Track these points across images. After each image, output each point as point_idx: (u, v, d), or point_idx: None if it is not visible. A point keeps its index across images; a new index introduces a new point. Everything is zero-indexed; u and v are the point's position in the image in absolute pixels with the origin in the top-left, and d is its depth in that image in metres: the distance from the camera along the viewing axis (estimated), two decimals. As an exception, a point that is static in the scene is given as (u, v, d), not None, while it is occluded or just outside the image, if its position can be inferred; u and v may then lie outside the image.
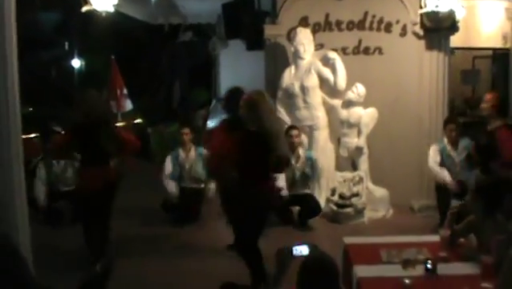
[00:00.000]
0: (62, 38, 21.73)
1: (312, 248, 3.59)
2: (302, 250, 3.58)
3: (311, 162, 8.72)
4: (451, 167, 8.21)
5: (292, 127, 8.76)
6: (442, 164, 8.27)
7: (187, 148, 9.05)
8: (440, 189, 8.23)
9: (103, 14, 7.70)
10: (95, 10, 7.62)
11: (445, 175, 8.15)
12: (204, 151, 8.78)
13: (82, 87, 19.66)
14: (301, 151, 8.72)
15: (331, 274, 3.32)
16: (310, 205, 8.54)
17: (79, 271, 4.45)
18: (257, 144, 5.75)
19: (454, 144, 8.26)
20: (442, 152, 8.30)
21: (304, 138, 9.00)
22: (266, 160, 5.77)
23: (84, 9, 7.45)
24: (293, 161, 8.50)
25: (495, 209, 4.88)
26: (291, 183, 8.64)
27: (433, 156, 8.35)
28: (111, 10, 7.70)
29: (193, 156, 9.02)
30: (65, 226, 8.66)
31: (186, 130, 9.15)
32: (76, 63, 21.40)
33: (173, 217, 8.79)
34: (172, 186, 8.85)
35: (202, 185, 9.04)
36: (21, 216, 5.93)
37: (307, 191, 8.73)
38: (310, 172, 8.74)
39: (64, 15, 20.18)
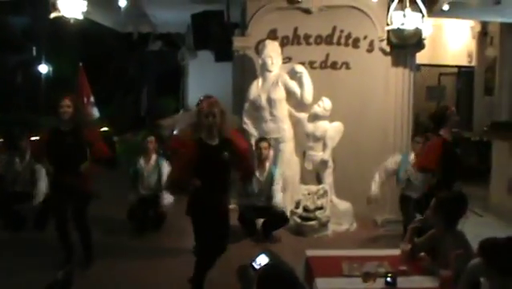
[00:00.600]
0: (30, 42, 21.47)
1: (270, 255, 3.61)
2: (261, 261, 3.59)
3: (271, 178, 8.62)
4: (411, 179, 8.34)
5: (262, 139, 8.79)
6: (397, 176, 8.53)
7: (148, 157, 9.06)
8: (404, 200, 8.36)
9: (72, 21, 7.64)
10: (63, 17, 7.54)
11: (374, 187, 8.46)
12: (164, 161, 8.96)
13: (49, 92, 19.49)
14: (267, 164, 8.68)
15: (288, 281, 3.34)
16: (276, 216, 8.54)
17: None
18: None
19: None
20: (402, 164, 8.46)
21: (271, 151, 8.94)
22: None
23: (52, 15, 7.37)
24: (257, 174, 8.51)
25: (455, 224, 4.98)
26: (254, 195, 8.61)
27: (389, 164, 8.59)
28: (80, 17, 7.65)
29: (151, 165, 9.03)
30: (28, 230, 8.67)
31: (151, 138, 9.18)
32: (43, 68, 21.13)
33: (136, 226, 8.77)
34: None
35: (157, 193, 9.02)
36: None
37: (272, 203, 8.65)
38: (270, 188, 8.62)
39: (32, 20, 19.98)
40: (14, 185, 8.91)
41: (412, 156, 8.40)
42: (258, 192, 8.59)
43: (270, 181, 8.61)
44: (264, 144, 8.65)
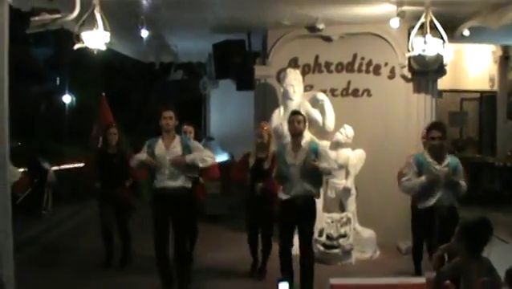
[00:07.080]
0: (54, 73, 21.74)
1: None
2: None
3: (317, 153, 7.12)
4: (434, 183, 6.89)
5: (296, 112, 7.54)
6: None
7: (170, 136, 7.34)
8: (416, 213, 7.56)
9: (95, 52, 7.71)
10: (86, 48, 7.62)
11: (419, 180, 6.92)
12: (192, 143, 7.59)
13: (72, 122, 19.71)
14: (303, 141, 7.26)
15: None
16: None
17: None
18: None
19: (437, 156, 6.96)
20: (421, 166, 6.99)
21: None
22: None
23: (76, 46, 7.45)
24: (289, 149, 7.23)
25: (480, 251, 4.91)
26: (289, 180, 7.23)
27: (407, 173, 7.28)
28: (103, 48, 7.73)
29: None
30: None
31: (169, 113, 7.29)
32: (67, 98, 21.38)
33: None
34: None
35: None
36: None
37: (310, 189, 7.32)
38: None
39: (56, 50, 20.23)
40: None
41: (426, 154, 7.02)
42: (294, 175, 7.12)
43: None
44: (298, 118, 7.20)
